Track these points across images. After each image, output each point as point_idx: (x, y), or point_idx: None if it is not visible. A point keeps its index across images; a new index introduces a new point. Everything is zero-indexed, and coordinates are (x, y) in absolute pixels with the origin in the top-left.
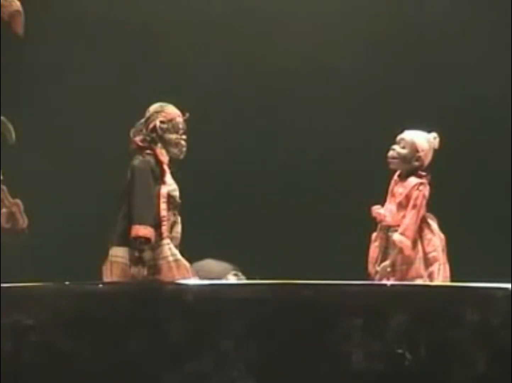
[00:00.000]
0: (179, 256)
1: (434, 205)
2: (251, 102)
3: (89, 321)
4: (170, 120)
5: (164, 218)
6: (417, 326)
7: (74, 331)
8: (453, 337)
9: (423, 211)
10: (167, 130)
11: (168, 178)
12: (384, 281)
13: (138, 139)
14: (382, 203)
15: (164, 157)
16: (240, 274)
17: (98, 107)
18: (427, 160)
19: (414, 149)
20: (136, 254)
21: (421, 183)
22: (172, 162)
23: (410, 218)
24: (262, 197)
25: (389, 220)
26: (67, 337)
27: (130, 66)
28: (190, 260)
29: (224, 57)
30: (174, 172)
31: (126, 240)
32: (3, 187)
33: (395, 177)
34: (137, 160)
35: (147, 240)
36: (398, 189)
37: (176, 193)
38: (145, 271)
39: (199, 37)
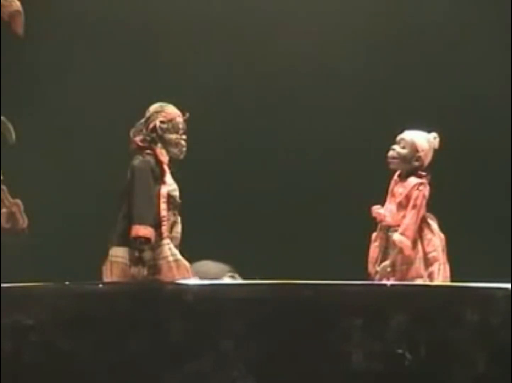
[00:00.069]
0: (179, 256)
1: (434, 205)
2: (251, 102)
3: (89, 321)
4: (170, 120)
5: (164, 218)
6: (417, 326)
7: (74, 331)
8: (453, 337)
9: (423, 211)
10: (167, 130)
11: (168, 178)
12: (384, 281)
13: (138, 139)
14: (382, 203)
15: (164, 157)
16: (236, 275)
17: (98, 107)
18: (427, 160)
19: (414, 149)
20: (136, 254)
21: (421, 183)
22: (172, 162)
23: (410, 218)
24: (262, 197)
25: (389, 220)
26: (67, 337)
27: (130, 66)
28: (190, 260)
29: (224, 57)
30: (174, 172)
31: (126, 240)
32: (3, 187)
33: (395, 177)
34: (137, 160)
35: (147, 240)
36: (398, 189)
37: (176, 193)
38: (145, 271)
39: (199, 37)
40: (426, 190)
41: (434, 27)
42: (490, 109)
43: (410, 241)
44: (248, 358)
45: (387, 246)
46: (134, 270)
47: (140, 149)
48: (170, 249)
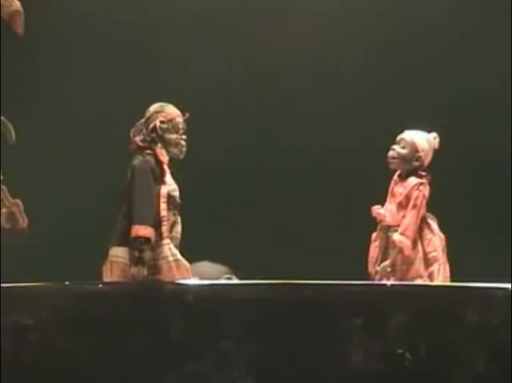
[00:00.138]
0: (179, 256)
1: (434, 205)
2: (251, 102)
3: (89, 321)
4: (170, 120)
5: (164, 218)
6: (417, 326)
7: (74, 331)
8: (453, 337)
9: (423, 211)
10: (167, 130)
11: (168, 178)
12: (384, 281)
13: (138, 139)
14: (382, 203)
15: (164, 157)
16: (234, 277)
17: (98, 107)
18: (427, 160)
19: (414, 149)
20: (136, 254)
21: (421, 183)
22: (172, 162)
23: (410, 218)
24: (262, 197)
25: (389, 220)
26: (67, 337)
27: (130, 66)
28: (190, 260)
29: (224, 57)
30: (174, 172)
31: (126, 240)
32: (3, 187)
33: (395, 177)
34: (137, 160)
35: (147, 240)
36: (398, 189)
37: (176, 193)
38: (145, 271)
39: (199, 37)
40: (426, 190)
41: (434, 27)
42: (490, 109)
43: (410, 241)
44: (248, 358)
45: (387, 246)
46: (134, 270)
47: (140, 149)
48: (170, 249)
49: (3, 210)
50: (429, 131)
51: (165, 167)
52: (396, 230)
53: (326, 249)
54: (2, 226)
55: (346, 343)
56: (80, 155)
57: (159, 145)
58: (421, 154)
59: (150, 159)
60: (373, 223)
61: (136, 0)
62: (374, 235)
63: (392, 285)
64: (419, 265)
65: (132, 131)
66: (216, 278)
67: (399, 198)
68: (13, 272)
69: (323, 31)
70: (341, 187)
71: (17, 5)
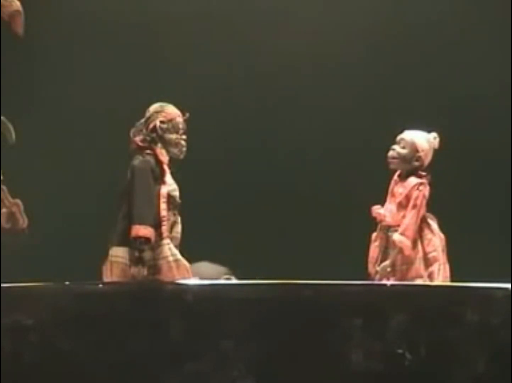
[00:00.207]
0: (179, 256)
1: (434, 205)
2: (251, 102)
3: (89, 321)
4: (170, 120)
5: (164, 218)
6: (417, 326)
7: (74, 331)
8: (453, 337)
9: (423, 211)
10: (167, 130)
11: (168, 178)
12: (384, 281)
13: (138, 139)
14: (382, 203)
15: (164, 157)
16: (233, 278)
17: (98, 107)
18: (427, 160)
19: (414, 149)
20: (136, 254)
21: (421, 183)
22: (172, 162)
23: (410, 218)
24: (262, 197)
25: (389, 220)
26: (67, 337)
27: (130, 66)
28: (190, 260)
29: (224, 57)
30: (174, 172)
31: (126, 240)
32: (3, 187)
33: (395, 177)
34: (137, 160)
35: (147, 240)
36: (398, 189)
37: (176, 193)
38: (145, 271)
39: (199, 37)
40: (426, 190)
41: (434, 27)
42: (490, 109)
43: (410, 241)
44: (248, 358)
45: (387, 246)
46: (134, 270)
47: (140, 149)
48: (170, 249)
49: (3, 210)
50: (429, 131)
51: (165, 167)
52: (396, 230)
53: (326, 249)
54: (2, 226)
55: (346, 343)
56: (80, 155)
57: (159, 145)
58: (421, 154)
59: (150, 159)
60: (373, 223)
61: (136, 0)
62: (374, 235)
63: (392, 285)
64: (419, 265)
65: (132, 131)
66: (215, 279)
67: (399, 198)
68: (13, 272)
69: (323, 31)
70: (341, 187)
71: (17, 5)
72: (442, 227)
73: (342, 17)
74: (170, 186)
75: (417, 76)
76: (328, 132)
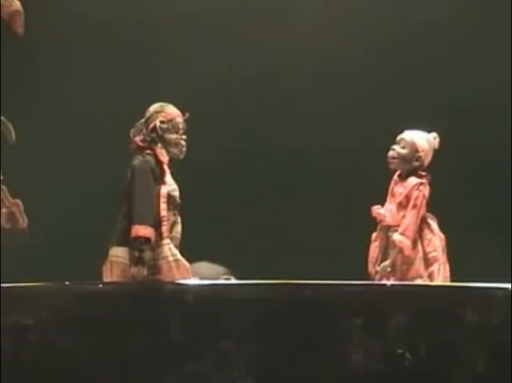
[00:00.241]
0: (179, 256)
1: (434, 205)
2: (251, 102)
3: (89, 321)
4: (170, 120)
5: (164, 218)
6: (417, 326)
7: (74, 331)
8: (453, 337)
9: (423, 211)
10: (167, 130)
11: (168, 178)
12: (384, 281)
13: (138, 139)
14: (382, 203)
15: (164, 157)
16: (232, 278)
17: (98, 107)
18: (427, 160)
19: (414, 149)
20: (136, 254)
21: (421, 183)
22: (172, 162)
23: (410, 218)
24: (262, 197)
25: (389, 220)
26: (67, 337)
27: (130, 66)
28: (190, 260)
29: (224, 57)
30: (174, 172)
31: (126, 240)
32: (3, 187)
33: (395, 177)
34: (137, 160)
35: (147, 240)
36: (398, 189)
37: (176, 193)
38: (145, 271)
39: (199, 37)
40: (426, 190)
41: (434, 27)
42: (490, 109)
43: (410, 241)
44: (248, 358)
45: (387, 246)
46: (134, 270)
47: (140, 149)
48: (170, 249)
49: (3, 210)
50: (429, 131)
51: (165, 167)
52: (396, 230)
53: (326, 249)
54: (2, 226)
55: (346, 343)
56: (80, 155)
57: (159, 145)
58: (421, 154)
59: (150, 159)
60: (373, 223)
61: (136, 0)
62: (374, 235)
63: (392, 285)
64: (419, 265)
65: (132, 131)
66: (215, 279)
67: (399, 198)
68: (13, 272)
69: (323, 31)
70: (341, 187)
71: (17, 5)
72: (442, 227)
73: (342, 17)
74: (170, 186)
75: (417, 76)
76: (328, 132)
